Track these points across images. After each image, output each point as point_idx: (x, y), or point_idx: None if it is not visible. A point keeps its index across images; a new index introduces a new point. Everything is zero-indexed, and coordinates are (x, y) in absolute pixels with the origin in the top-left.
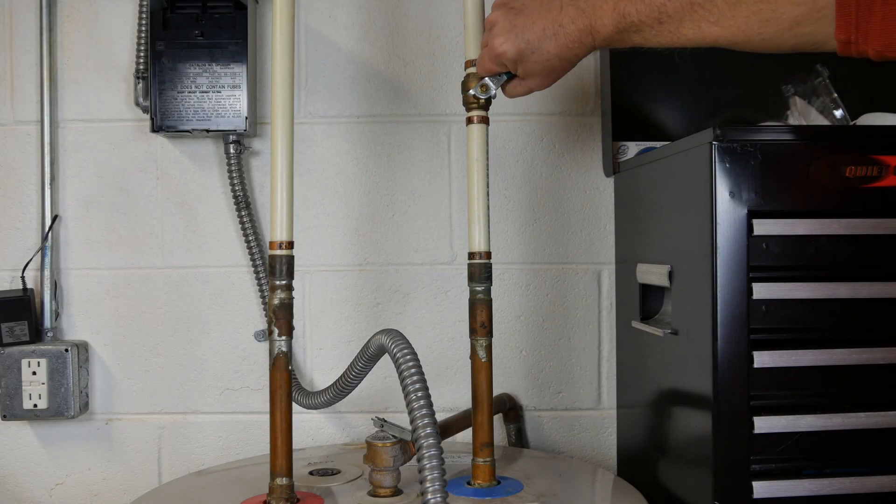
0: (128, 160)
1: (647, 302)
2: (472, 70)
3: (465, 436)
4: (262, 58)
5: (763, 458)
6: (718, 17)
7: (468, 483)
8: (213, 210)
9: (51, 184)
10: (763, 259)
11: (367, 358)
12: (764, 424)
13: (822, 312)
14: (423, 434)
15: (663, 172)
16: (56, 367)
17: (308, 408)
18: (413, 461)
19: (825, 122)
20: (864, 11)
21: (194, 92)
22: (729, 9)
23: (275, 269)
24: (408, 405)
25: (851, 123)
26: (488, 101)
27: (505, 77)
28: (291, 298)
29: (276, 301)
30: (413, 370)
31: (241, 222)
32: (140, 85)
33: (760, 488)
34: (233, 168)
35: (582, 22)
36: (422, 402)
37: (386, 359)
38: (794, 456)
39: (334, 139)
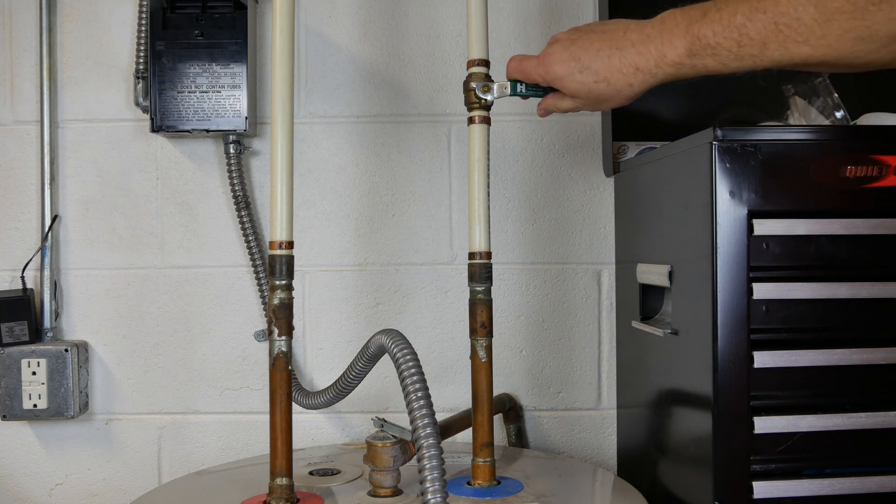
0: (128, 160)
1: (647, 302)
2: (474, 70)
3: (465, 436)
4: (262, 58)
5: (763, 458)
6: (808, 37)
7: (468, 483)
8: (213, 210)
9: (51, 184)
10: (763, 259)
11: (367, 358)
12: (764, 424)
13: (822, 312)
14: (423, 434)
15: (663, 172)
16: (56, 367)
17: (308, 408)
18: (413, 461)
19: (825, 122)
20: None
21: (194, 92)
22: (819, 27)
23: (275, 268)
24: (408, 405)
25: (851, 123)
26: (490, 102)
27: (522, 90)
28: (291, 298)
29: (275, 301)
30: (413, 370)
31: (241, 222)
32: (140, 85)
33: (761, 488)
34: (233, 168)
35: (644, 46)
36: (422, 402)
37: (386, 359)
38: (794, 456)
39: (334, 139)
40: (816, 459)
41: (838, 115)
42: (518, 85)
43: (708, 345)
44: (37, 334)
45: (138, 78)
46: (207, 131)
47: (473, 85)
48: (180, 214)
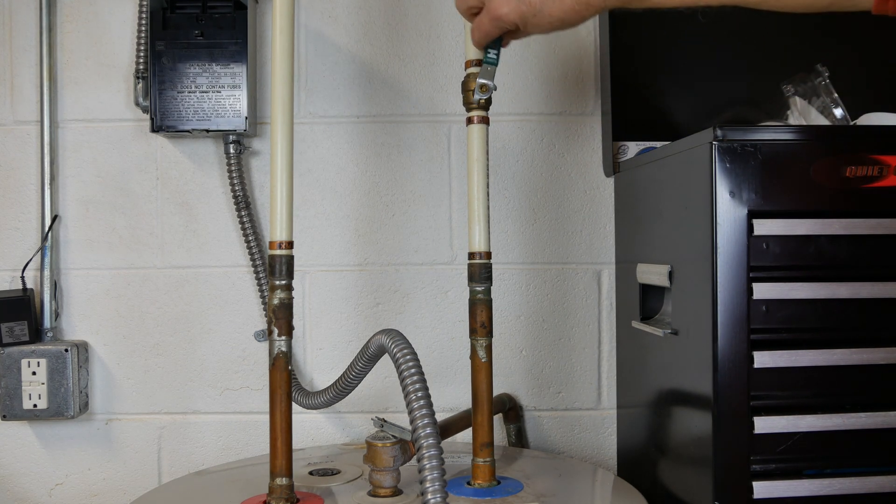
0: (127, 160)
1: (647, 302)
2: (472, 70)
3: (465, 436)
4: (262, 58)
5: (763, 458)
6: None
7: (468, 483)
8: (213, 210)
9: (51, 184)
10: (763, 259)
11: (367, 358)
12: (764, 424)
13: (822, 312)
14: (423, 434)
15: (663, 172)
16: (56, 367)
17: (308, 408)
18: (413, 461)
19: (825, 122)
20: None
21: (194, 92)
22: None
23: (274, 268)
24: (408, 405)
25: (851, 123)
26: (488, 101)
27: (496, 51)
28: (291, 298)
29: (275, 301)
30: (413, 370)
31: (241, 222)
32: (140, 85)
33: (761, 488)
34: (233, 168)
35: None
36: (422, 402)
37: (386, 359)
38: (794, 456)
39: (334, 139)
40: (816, 459)
41: (838, 115)
42: (489, 51)
43: (708, 345)
44: (37, 334)
45: (138, 78)
46: (207, 131)
47: (472, 90)
48: (180, 214)
